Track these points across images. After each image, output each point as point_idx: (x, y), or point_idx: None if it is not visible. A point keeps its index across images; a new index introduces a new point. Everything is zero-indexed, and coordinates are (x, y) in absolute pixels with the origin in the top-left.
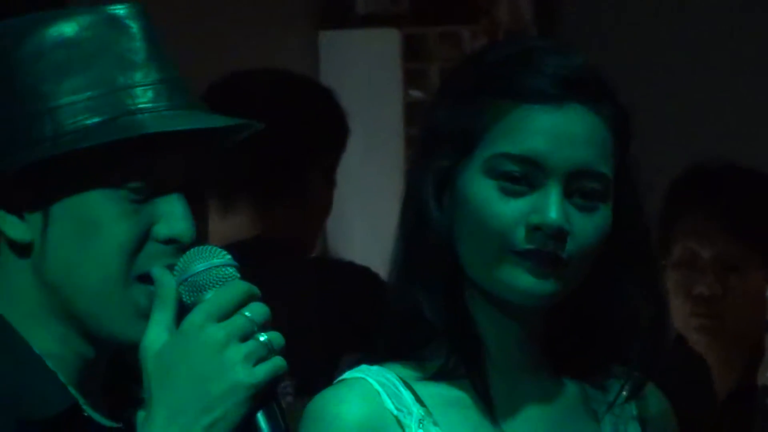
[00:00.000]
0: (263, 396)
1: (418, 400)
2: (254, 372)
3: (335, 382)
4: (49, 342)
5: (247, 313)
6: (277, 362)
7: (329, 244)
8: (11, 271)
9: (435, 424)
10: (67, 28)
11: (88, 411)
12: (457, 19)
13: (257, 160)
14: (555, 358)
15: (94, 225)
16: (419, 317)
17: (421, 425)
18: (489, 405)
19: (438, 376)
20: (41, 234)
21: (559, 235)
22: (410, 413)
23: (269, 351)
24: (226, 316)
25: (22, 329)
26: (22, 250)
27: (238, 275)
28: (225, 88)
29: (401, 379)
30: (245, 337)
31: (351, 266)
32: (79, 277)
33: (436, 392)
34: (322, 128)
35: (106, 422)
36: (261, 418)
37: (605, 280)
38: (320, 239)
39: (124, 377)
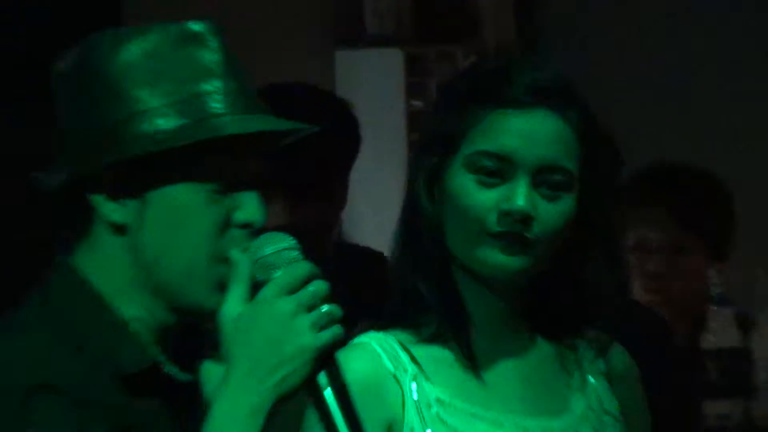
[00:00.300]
0: (325, 358)
1: (413, 360)
2: (319, 337)
3: (346, 345)
4: (136, 310)
5: (311, 288)
6: (337, 330)
7: (344, 231)
8: (107, 248)
9: (427, 379)
10: (157, 41)
11: (167, 367)
12: (452, 40)
13: (291, 161)
14: (533, 322)
15: (183, 213)
16: (415, 291)
17: (414, 380)
18: (473, 363)
19: (430, 339)
20: (137, 218)
21: (525, 219)
22: (405, 371)
23: (330, 320)
24: (294, 290)
25: (112, 298)
26: (119, 230)
27: (302, 257)
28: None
29: (400, 342)
30: (310, 308)
31: (367, 250)
32: (170, 257)
33: (429, 353)
34: (344, 137)
35: (182, 376)
36: (322, 376)
37: (575, 256)
38: (336, 227)
39: (195, 338)
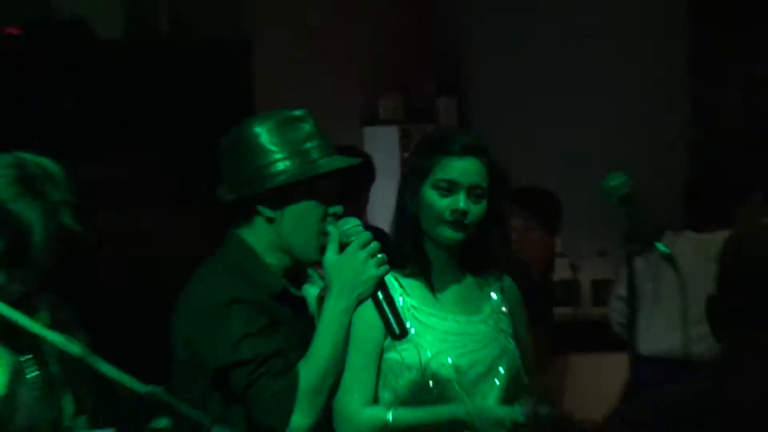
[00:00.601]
0: (381, 282)
1: (401, 285)
2: (379, 270)
3: None
4: (273, 260)
5: (373, 245)
6: (387, 267)
7: (366, 219)
8: (261, 229)
9: (407, 295)
10: (280, 120)
11: (291, 289)
12: (424, 122)
13: (346, 184)
14: (465, 266)
15: (305, 213)
16: (402, 250)
17: (401, 296)
18: (431, 287)
19: (410, 275)
20: (280, 216)
21: (463, 213)
22: (396, 290)
23: (383, 261)
24: (364, 246)
25: (261, 253)
26: (270, 221)
27: (364, 229)
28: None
29: (394, 276)
30: (373, 256)
31: (378, 229)
32: (298, 235)
33: (409, 282)
34: (368, 172)
35: (298, 293)
36: (380, 293)
37: (485, 230)
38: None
39: (299, 274)
